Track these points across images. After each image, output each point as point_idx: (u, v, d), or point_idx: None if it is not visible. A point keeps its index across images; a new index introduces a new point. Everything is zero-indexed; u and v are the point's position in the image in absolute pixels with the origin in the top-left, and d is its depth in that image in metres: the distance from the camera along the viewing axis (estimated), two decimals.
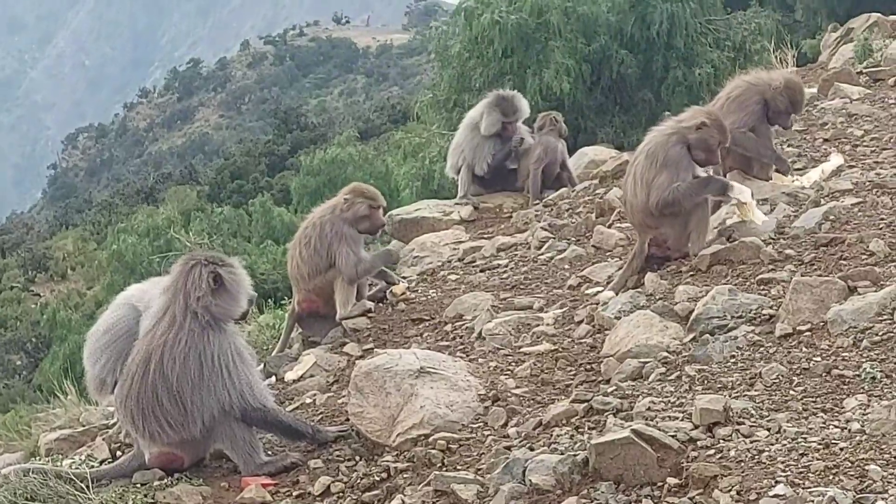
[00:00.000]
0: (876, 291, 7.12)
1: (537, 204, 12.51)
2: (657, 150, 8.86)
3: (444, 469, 6.69)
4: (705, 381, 6.68)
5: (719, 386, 6.58)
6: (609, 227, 10.53)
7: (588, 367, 7.70)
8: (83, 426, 9.77)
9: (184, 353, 7.34)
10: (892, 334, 6.65)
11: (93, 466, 7.90)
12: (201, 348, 7.36)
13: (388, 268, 10.26)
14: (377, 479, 6.93)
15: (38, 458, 8.94)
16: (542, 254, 10.49)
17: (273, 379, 9.11)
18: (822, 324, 7.00)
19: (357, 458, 7.35)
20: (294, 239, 10.21)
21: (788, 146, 11.05)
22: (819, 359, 6.62)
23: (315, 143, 64.46)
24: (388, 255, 10.39)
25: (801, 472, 5.48)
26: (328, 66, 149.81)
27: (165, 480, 7.55)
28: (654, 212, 8.80)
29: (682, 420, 6.17)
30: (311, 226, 9.93)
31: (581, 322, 8.46)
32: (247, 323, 10.17)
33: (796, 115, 10.40)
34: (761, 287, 7.84)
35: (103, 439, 8.85)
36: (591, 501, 5.79)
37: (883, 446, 5.58)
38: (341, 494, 6.94)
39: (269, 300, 15.19)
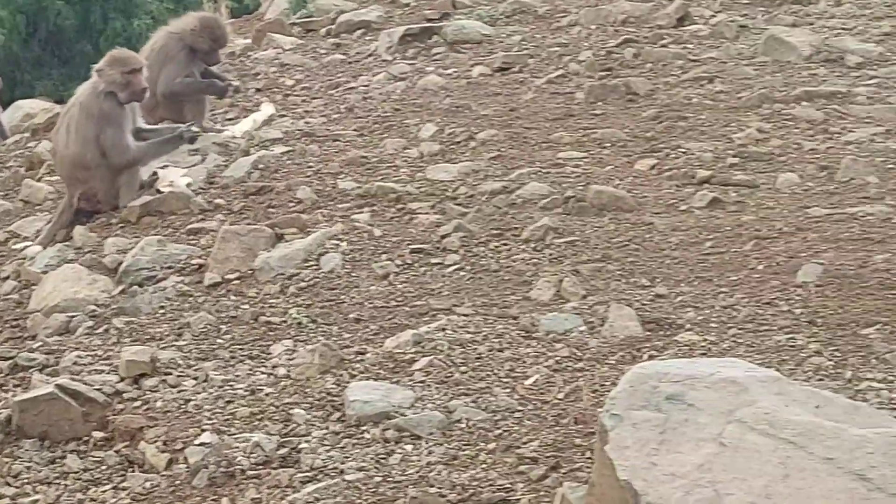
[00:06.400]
0: (303, 238, 7.26)
1: None
2: (89, 103, 8.72)
3: None
4: (133, 333, 6.60)
5: (147, 337, 6.51)
6: (38, 180, 10.17)
7: (14, 323, 7.40)
8: None
9: None
10: (317, 280, 6.81)
11: None
12: None
13: None
14: None
15: None
16: None
17: None
18: (250, 272, 7.05)
19: None
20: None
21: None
22: (247, 306, 6.68)
23: None
24: None
25: (227, 419, 5.51)
26: None
27: None
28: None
29: (108, 373, 6.09)
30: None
31: (7, 278, 8.13)
32: None
33: (223, 49, 10.38)
34: (190, 237, 7.80)
35: None
36: (15, 460, 5.65)
37: (307, 390, 5.69)
38: None
39: None
